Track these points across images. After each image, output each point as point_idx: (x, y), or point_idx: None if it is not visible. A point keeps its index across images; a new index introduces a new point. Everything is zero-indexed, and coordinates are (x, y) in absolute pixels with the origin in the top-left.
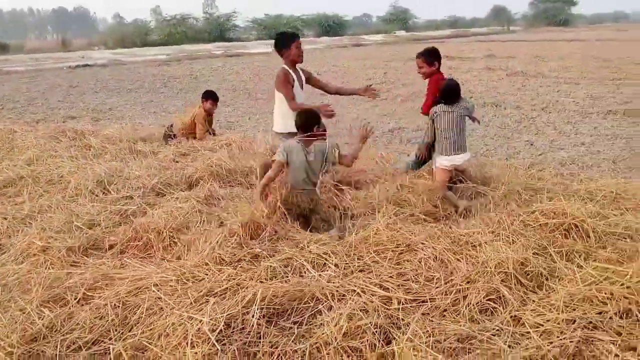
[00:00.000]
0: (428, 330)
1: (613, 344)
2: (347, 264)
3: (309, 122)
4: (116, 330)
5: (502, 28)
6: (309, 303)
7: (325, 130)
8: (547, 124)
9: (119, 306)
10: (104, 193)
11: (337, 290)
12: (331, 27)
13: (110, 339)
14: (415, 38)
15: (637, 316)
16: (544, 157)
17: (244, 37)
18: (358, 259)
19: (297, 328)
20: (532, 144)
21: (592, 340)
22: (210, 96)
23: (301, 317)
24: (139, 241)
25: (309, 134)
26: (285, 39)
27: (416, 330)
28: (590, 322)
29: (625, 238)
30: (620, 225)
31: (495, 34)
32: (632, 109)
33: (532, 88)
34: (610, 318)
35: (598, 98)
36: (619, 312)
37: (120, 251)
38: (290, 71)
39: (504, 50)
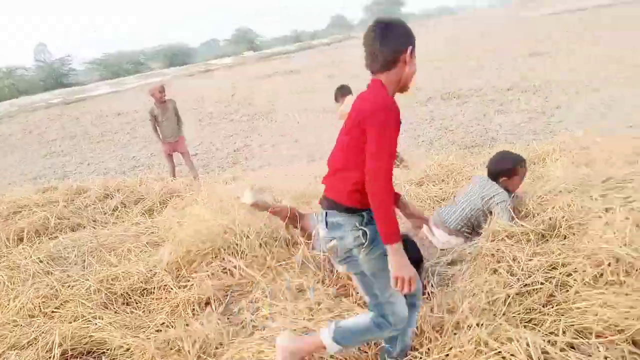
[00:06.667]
0: None
1: None
2: None
3: None
4: None
5: (343, 36)
6: None
7: None
8: None
9: None
10: None
11: None
12: (176, 56)
13: None
14: (263, 56)
15: None
16: None
17: (86, 80)
18: None
19: None
20: None
21: None
22: None
23: None
24: None
25: None
26: None
27: None
28: None
29: None
30: None
31: (338, 42)
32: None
33: None
34: None
35: (420, 88)
36: None
37: None
38: None
39: (346, 57)
